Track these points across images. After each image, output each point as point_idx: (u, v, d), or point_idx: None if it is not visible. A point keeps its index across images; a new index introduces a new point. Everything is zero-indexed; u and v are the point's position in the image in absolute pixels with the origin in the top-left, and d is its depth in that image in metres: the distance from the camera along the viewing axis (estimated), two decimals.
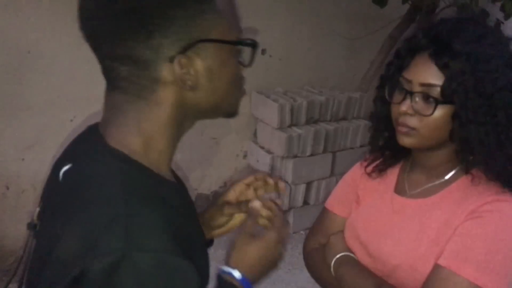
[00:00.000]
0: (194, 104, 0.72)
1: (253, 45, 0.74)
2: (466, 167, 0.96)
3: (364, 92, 3.46)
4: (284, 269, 2.87)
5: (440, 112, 0.92)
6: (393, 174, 1.11)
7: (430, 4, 3.23)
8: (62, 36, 2.47)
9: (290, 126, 3.11)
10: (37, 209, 0.81)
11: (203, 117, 0.77)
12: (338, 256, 1.08)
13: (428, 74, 0.92)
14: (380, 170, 1.11)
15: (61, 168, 0.74)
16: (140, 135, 0.70)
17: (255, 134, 3.36)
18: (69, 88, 2.59)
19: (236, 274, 0.77)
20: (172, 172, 0.80)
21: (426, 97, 0.93)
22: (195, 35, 0.67)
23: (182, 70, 0.68)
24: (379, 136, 1.08)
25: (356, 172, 1.19)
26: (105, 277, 0.57)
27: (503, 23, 2.91)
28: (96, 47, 0.70)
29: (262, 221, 0.84)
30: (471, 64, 0.89)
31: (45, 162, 2.62)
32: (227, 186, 0.95)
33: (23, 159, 2.58)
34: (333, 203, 1.20)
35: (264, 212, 0.84)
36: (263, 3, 3.18)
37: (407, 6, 3.34)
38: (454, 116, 0.91)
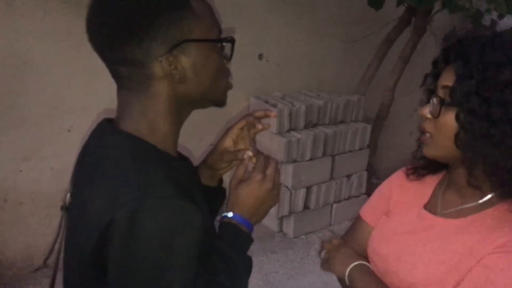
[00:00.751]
0: (186, 94, 0.85)
1: (231, 41, 0.88)
2: (467, 179, 0.93)
3: (362, 95, 3.46)
4: (286, 274, 2.83)
5: (450, 116, 0.91)
6: (428, 188, 1.09)
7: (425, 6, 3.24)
8: (57, 47, 2.47)
9: (289, 130, 3.11)
10: (68, 194, 0.93)
11: (196, 106, 0.90)
12: (354, 264, 1.08)
13: (447, 77, 0.93)
14: (419, 174, 1.10)
15: (84, 157, 0.90)
16: (145, 121, 0.84)
17: (254, 139, 3.34)
18: (66, 98, 2.58)
19: (229, 214, 0.92)
20: (179, 153, 0.94)
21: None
22: (178, 37, 0.80)
23: (170, 66, 0.80)
24: (421, 146, 1.05)
25: (392, 183, 1.18)
26: (129, 223, 0.72)
27: (498, 22, 2.92)
28: (101, 55, 0.84)
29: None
30: (479, 69, 0.88)
31: (43, 173, 2.61)
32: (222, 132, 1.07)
33: (20, 171, 2.56)
34: (366, 211, 1.20)
35: (253, 160, 0.98)
36: (259, 9, 3.18)
37: (402, 9, 3.34)
38: (456, 119, 0.90)
